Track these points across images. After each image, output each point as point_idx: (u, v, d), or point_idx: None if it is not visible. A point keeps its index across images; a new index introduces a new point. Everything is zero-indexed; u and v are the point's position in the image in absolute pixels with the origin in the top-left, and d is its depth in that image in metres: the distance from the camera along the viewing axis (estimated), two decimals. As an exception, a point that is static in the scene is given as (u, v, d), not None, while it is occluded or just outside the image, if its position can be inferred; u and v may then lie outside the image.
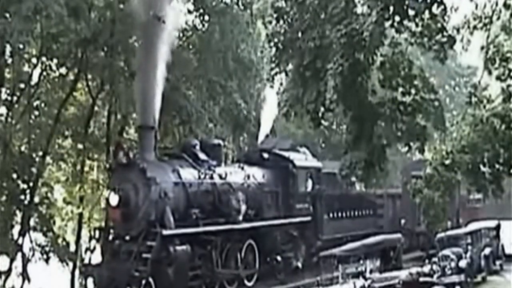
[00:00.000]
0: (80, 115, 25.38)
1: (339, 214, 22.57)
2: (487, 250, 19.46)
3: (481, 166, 14.30)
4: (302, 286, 18.29)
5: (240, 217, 16.84)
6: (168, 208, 14.83)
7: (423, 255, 21.81)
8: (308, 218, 20.33)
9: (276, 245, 18.72)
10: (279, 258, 18.64)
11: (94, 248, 15.69)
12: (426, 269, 16.19)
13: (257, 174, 18.85)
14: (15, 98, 22.84)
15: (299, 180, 20.27)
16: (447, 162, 14.57)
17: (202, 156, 16.89)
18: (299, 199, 20.27)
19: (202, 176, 16.33)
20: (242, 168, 18.35)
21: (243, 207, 16.95)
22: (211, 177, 16.64)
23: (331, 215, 21.98)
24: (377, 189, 25.90)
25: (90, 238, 16.81)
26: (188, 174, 16.06)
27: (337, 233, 21.67)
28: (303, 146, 24.24)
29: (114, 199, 14.74)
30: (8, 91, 22.57)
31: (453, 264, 16.88)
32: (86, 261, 15.58)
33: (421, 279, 15.05)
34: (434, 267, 16.52)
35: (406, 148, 13.90)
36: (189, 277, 14.92)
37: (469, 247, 17.96)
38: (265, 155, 20.09)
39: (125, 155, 15.19)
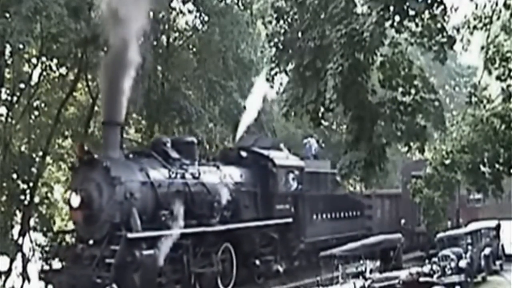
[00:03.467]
0: (80, 115, 25.41)
1: (324, 216, 21.65)
2: (487, 250, 19.44)
3: (481, 166, 14.31)
4: (302, 286, 18.27)
5: (215, 219, 16.05)
6: (135, 209, 13.86)
7: (423, 255, 21.81)
8: (290, 220, 19.37)
9: (254, 248, 17.79)
10: (257, 262, 17.75)
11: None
12: (426, 269, 16.17)
13: (234, 173, 17.91)
14: (15, 98, 22.87)
15: (279, 179, 19.32)
16: (447, 162, 14.59)
17: (174, 154, 15.94)
18: (280, 200, 19.33)
19: (173, 176, 15.35)
20: (218, 167, 17.35)
21: (218, 208, 16.20)
22: (183, 177, 15.66)
23: (314, 216, 21.11)
24: (367, 189, 25.38)
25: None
26: (158, 173, 15.13)
27: (321, 235, 20.90)
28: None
29: (75, 201, 13.78)
30: (8, 91, 22.60)
31: (453, 264, 16.87)
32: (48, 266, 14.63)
33: (421, 279, 15.02)
34: (434, 267, 16.51)
35: (406, 148, 13.90)
36: (158, 283, 14.04)
37: (469, 247, 17.94)
38: (243, 154, 19.09)
39: (87, 153, 14.35)
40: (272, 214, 18.84)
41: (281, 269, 18.71)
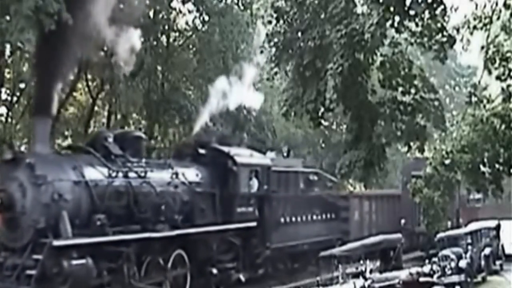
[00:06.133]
0: (80, 115, 25.42)
1: (293, 219, 19.63)
2: (487, 250, 19.46)
3: (481, 166, 14.31)
4: (302, 286, 18.24)
5: (163, 224, 14.33)
6: (65, 213, 12.10)
7: (423, 255, 21.80)
8: (253, 224, 17.48)
9: (211, 256, 16.00)
10: (214, 270, 15.95)
11: None
12: (426, 269, 16.16)
13: (189, 172, 16.02)
14: (15, 98, 22.87)
15: (241, 179, 17.33)
16: (447, 162, 14.57)
17: (116, 150, 14.11)
18: (242, 202, 17.37)
19: (114, 174, 13.55)
20: (169, 165, 15.53)
21: (167, 212, 14.52)
22: (126, 176, 13.87)
23: (282, 219, 19.11)
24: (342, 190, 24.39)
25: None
26: (95, 171, 13.30)
27: (290, 240, 19.19)
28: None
29: None
30: (8, 91, 22.60)
31: (453, 264, 16.88)
32: None
33: (421, 279, 15.02)
34: (434, 267, 16.50)
35: (406, 148, 13.91)
36: None
37: (469, 247, 17.95)
38: (201, 150, 17.21)
39: (10, 148, 13.10)
40: (233, 217, 16.94)
41: (242, 278, 17.00)
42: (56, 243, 11.68)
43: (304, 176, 21.75)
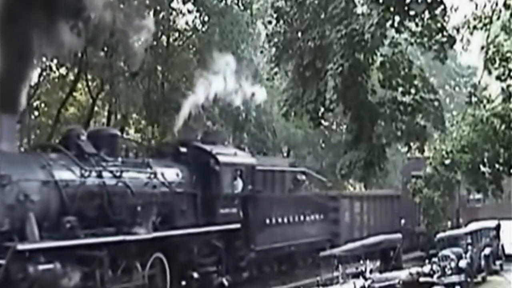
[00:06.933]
0: (80, 115, 25.44)
1: (279, 220, 18.95)
2: (487, 250, 19.47)
3: (481, 166, 14.32)
4: (302, 286, 18.23)
5: (140, 226, 13.57)
6: (32, 215, 11.41)
7: (423, 255, 21.80)
8: (237, 226, 16.76)
9: (192, 259, 15.31)
10: (195, 274, 15.24)
11: None
12: (426, 269, 16.16)
13: (169, 172, 15.26)
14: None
15: (224, 179, 16.65)
16: (447, 162, 14.59)
17: (89, 149, 13.34)
18: (225, 203, 16.66)
19: (86, 174, 12.78)
20: (147, 164, 14.71)
21: (145, 213, 13.77)
22: (99, 175, 13.14)
23: (268, 221, 18.41)
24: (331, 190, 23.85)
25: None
26: (65, 171, 12.53)
27: (276, 242, 18.56)
28: None
29: None
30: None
31: (453, 264, 16.87)
32: None
33: (421, 279, 15.01)
34: (434, 267, 16.50)
35: (406, 148, 13.92)
36: None
37: (469, 247, 17.95)
38: (182, 149, 16.35)
39: None
40: (215, 219, 16.23)
41: (226, 282, 16.35)
42: (20, 246, 10.98)
43: (291, 175, 21.26)
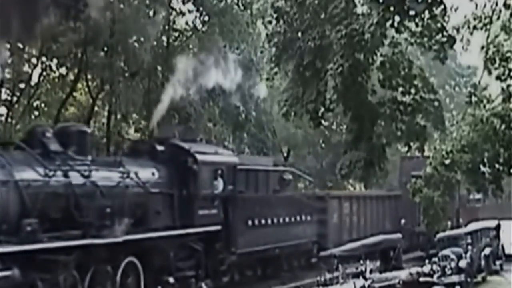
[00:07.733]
0: (80, 115, 25.42)
1: (263, 221, 18.01)
2: (487, 250, 19.46)
3: (481, 166, 14.33)
4: (302, 286, 18.22)
5: (110, 229, 12.72)
6: None
7: (423, 255, 21.81)
8: (217, 227, 16.03)
9: (168, 263, 14.56)
10: (171, 279, 14.51)
11: None
12: (426, 269, 16.18)
13: (143, 171, 14.39)
14: (15, 98, 22.89)
15: (202, 179, 15.75)
16: (447, 161, 14.59)
17: (55, 147, 12.53)
18: (204, 204, 15.81)
19: (51, 174, 11.96)
20: (120, 163, 13.87)
21: (115, 215, 12.92)
22: (66, 175, 12.32)
23: (250, 222, 17.48)
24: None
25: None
26: (27, 170, 11.71)
27: (259, 244, 17.70)
28: None
29: None
30: (8, 91, 22.62)
31: (453, 264, 16.87)
32: None
33: (421, 279, 15.04)
34: (434, 267, 16.51)
35: (406, 148, 13.92)
36: None
37: (469, 247, 17.94)
38: (159, 147, 15.60)
39: None
40: (193, 221, 15.41)
41: (205, 287, 15.73)
42: None
43: (276, 175, 20.51)
